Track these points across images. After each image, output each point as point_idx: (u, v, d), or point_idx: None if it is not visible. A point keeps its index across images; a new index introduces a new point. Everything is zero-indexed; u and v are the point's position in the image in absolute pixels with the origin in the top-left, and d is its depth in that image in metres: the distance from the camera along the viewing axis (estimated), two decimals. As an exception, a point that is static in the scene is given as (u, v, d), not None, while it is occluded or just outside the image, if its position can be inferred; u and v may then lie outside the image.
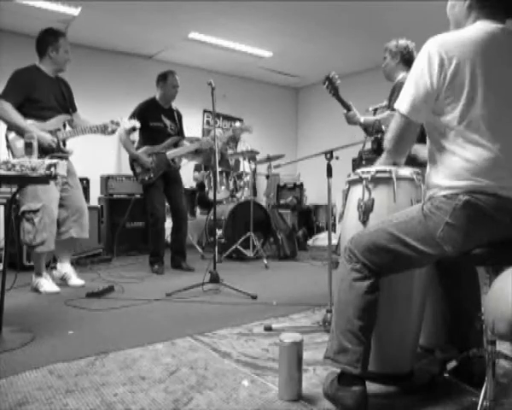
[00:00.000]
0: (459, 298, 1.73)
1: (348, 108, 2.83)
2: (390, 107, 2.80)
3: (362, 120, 2.82)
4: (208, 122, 6.84)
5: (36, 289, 3.15)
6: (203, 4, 4.47)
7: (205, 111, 6.77)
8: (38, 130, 3.00)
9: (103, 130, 3.28)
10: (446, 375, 1.69)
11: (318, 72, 6.76)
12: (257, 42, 5.62)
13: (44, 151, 3.04)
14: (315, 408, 1.51)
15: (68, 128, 3.30)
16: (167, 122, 4.09)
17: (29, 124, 3.01)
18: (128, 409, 1.47)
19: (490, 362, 1.32)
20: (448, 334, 1.77)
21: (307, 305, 2.84)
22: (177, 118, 4.20)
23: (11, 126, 3.01)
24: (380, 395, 1.61)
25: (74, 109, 3.42)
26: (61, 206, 3.20)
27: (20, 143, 2.93)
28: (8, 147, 3.03)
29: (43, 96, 3.12)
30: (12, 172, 1.96)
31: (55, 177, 2.05)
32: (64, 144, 3.23)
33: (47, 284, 3.15)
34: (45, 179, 2.13)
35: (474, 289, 1.73)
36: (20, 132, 2.91)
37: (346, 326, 1.46)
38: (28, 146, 2.40)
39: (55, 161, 2.06)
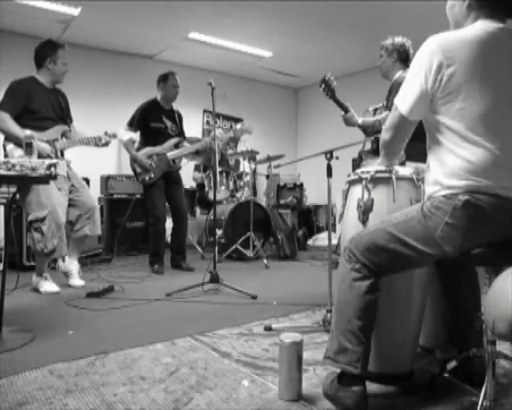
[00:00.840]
0: (459, 298, 1.73)
1: (346, 110, 2.81)
2: (388, 107, 2.80)
3: (360, 121, 2.81)
4: (208, 122, 6.84)
5: (36, 289, 3.15)
6: (203, 4, 4.47)
7: (205, 111, 6.77)
8: (37, 140, 3.02)
9: (97, 142, 3.31)
10: (446, 375, 1.69)
11: (318, 72, 6.72)
12: (257, 42, 5.62)
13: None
14: (315, 408, 1.51)
15: (65, 139, 3.33)
16: (168, 123, 4.10)
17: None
18: (128, 409, 1.47)
19: (490, 362, 1.32)
20: (448, 334, 1.77)
21: (307, 305, 2.84)
22: (177, 119, 4.21)
23: (9, 137, 3.02)
24: (380, 395, 1.61)
25: (71, 120, 3.46)
26: (73, 206, 3.25)
27: (17, 153, 2.95)
28: (6, 156, 3.05)
29: (40, 107, 3.15)
30: (12, 172, 1.96)
31: (55, 177, 2.05)
32: (62, 154, 3.28)
33: (47, 284, 3.15)
34: (45, 179, 2.13)
35: (474, 289, 1.73)
36: (19, 143, 2.91)
37: (346, 326, 1.46)
38: (28, 146, 2.40)
39: (55, 161, 2.07)
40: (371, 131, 2.87)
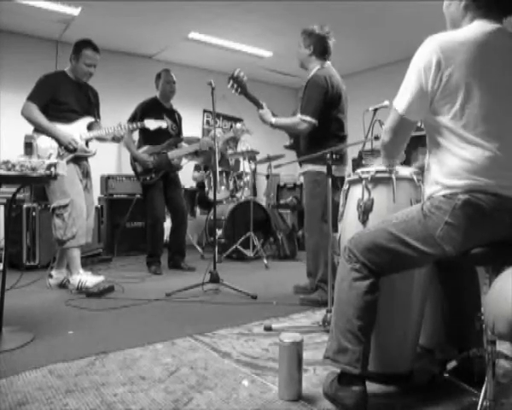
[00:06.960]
0: (459, 298, 1.72)
1: (260, 107, 2.72)
2: (301, 109, 2.62)
3: (273, 120, 2.70)
4: (208, 122, 6.84)
5: (81, 288, 3.10)
6: (203, 4, 4.47)
7: (205, 111, 6.76)
8: (60, 129, 3.13)
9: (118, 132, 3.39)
10: (446, 375, 1.69)
11: (318, 72, 6.75)
12: (257, 42, 5.62)
13: (67, 150, 3.16)
14: (315, 408, 1.51)
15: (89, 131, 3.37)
16: (169, 122, 4.09)
17: (52, 124, 3.12)
18: (128, 409, 1.47)
19: (490, 362, 1.32)
20: (448, 334, 1.76)
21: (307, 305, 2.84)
22: (177, 118, 4.21)
23: (36, 126, 3.11)
24: (380, 395, 1.61)
25: (98, 117, 3.51)
26: None
27: (44, 145, 3.03)
28: (29, 145, 3.05)
29: (67, 100, 3.23)
30: (12, 172, 1.96)
31: (55, 177, 2.06)
32: (87, 145, 3.32)
33: (90, 278, 3.15)
34: (45, 179, 2.13)
35: (474, 289, 1.73)
36: (44, 132, 3.06)
37: (346, 326, 1.46)
38: (28, 146, 2.40)
39: (55, 160, 2.07)
40: (290, 132, 2.77)
